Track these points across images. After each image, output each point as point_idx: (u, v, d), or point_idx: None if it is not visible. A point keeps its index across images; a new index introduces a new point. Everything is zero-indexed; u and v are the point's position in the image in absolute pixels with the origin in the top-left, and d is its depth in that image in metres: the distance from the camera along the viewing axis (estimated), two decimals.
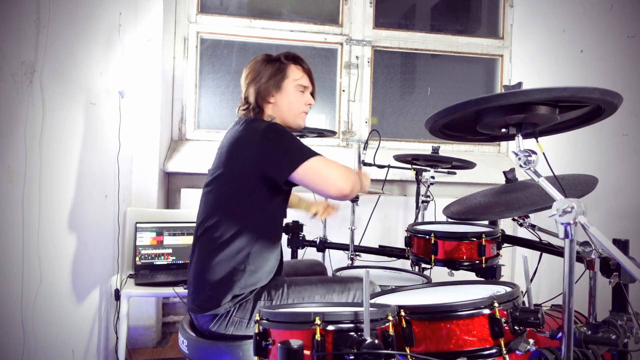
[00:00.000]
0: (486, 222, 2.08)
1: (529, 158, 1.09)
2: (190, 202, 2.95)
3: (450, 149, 3.51)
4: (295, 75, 1.70)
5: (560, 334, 1.06)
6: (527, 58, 3.42)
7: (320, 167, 1.47)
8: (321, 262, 2.16)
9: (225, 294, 1.49)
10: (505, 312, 1.10)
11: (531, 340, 1.10)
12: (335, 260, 2.71)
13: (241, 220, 1.53)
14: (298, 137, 2.59)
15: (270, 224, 1.59)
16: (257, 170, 1.50)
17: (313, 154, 1.49)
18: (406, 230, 2.01)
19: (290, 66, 1.70)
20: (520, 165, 1.10)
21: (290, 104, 1.69)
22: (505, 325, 1.09)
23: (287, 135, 1.53)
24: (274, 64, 1.69)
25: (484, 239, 1.81)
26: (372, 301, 1.27)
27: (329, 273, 2.10)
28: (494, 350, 1.09)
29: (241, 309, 1.50)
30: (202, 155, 3.02)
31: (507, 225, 3.05)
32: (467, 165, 2.45)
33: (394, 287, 1.55)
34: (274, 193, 1.55)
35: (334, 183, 1.45)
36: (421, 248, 1.90)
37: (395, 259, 2.41)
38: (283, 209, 1.66)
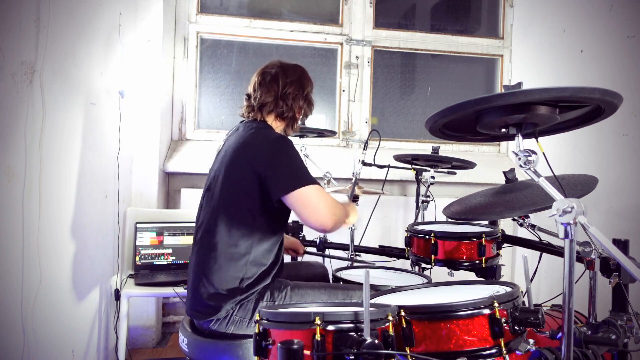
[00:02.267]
0: (486, 222, 2.08)
1: (529, 158, 1.09)
2: (190, 202, 2.95)
3: (450, 149, 3.51)
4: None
5: (560, 334, 1.06)
6: (527, 58, 3.42)
7: (313, 197, 1.48)
8: (322, 263, 2.16)
9: (226, 301, 1.50)
10: (505, 312, 1.10)
11: (531, 340, 1.10)
12: (335, 260, 2.70)
13: (242, 224, 1.53)
14: (298, 136, 2.63)
15: (271, 228, 1.58)
16: (258, 178, 1.50)
17: (312, 181, 1.49)
18: (406, 230, 2.01)
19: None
20: (520, 165, 1.10)
21: (298, 123, 1.78)
22: (505, 325, 1.09)
23: (294, 153, 1.54)
24: (310, 83, 1.75)
25: (484, 239, 1.81)
26: (372, 301, 1.27)
27: (329, 273, 2.10)
28: (494, 350, 1.09)
29: (242, 308, 1.50)
30: (202, 155, 3.02)
31: (507, 225, 3.05)
32: (467, 165, 2.45)
33: (394, 287, 1.55)
34: (266, 201, 1.53)
35: (320, 216, 1.47)
36: (421, 248, 1.90)
37: (395, 259, 2.41)
38: (284, 212, 1.64)
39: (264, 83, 1.68)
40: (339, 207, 1.55)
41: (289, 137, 1.63)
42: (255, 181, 1.50)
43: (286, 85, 1.67)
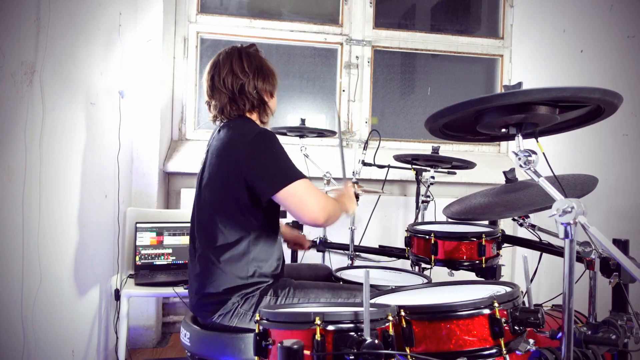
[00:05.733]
0: (486, 222, 2.08)
1: (529, 158, 1.09)
2: (190, 202, 2.91)
3: (450, 149, 3.51)
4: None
5: (560, 334, 1.06)
6: (527, 58, 3.42)
7: (302, 193, 1.45)
8: (325, 264, 2.16)
9: (230, 296, 1.50)
10: (505, 312, 1.10)
11: (531, 340, 1.10)
12: (335, 260, 2.70)
13: (236, 225, 1.52)
14: (298, 136, 2.62)
15: (266, 224, 1.57)
16: (244, 180, 1.47)
17: (299, 176, 1.46)
18: (406, 230, 2.01)
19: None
20: (520, 165, 1.10)
21: (274, 106, 1.70)
22: (505, 325, 1.09)
23: (277, 149, 1.49)
24: (243, 61, 1.62)
25: (484, 239, 1.81)
26: (372, 301, 1.27)
27: None
28: (494, 350, 1.09)
29: (247, 302, 1.50)
30: (202, 155, 3.02)
31: (507, 225, 3.05)
32: (467, 165, 2.45)
33: (394, 287, 1.55)
34: (256, 201, 1.51)
35: (311, 211, 1.45)
36: (421, 248, 1.90)
37: (395, 259, 2.41)
38: (276, 208, 1.62)
39: (213, 87, 1.62)
40: (330, 201, 1.53)
41: (270, 130, 1.58)
42: (242, 184, 1.48)
43: (226, 81, 1.59)
